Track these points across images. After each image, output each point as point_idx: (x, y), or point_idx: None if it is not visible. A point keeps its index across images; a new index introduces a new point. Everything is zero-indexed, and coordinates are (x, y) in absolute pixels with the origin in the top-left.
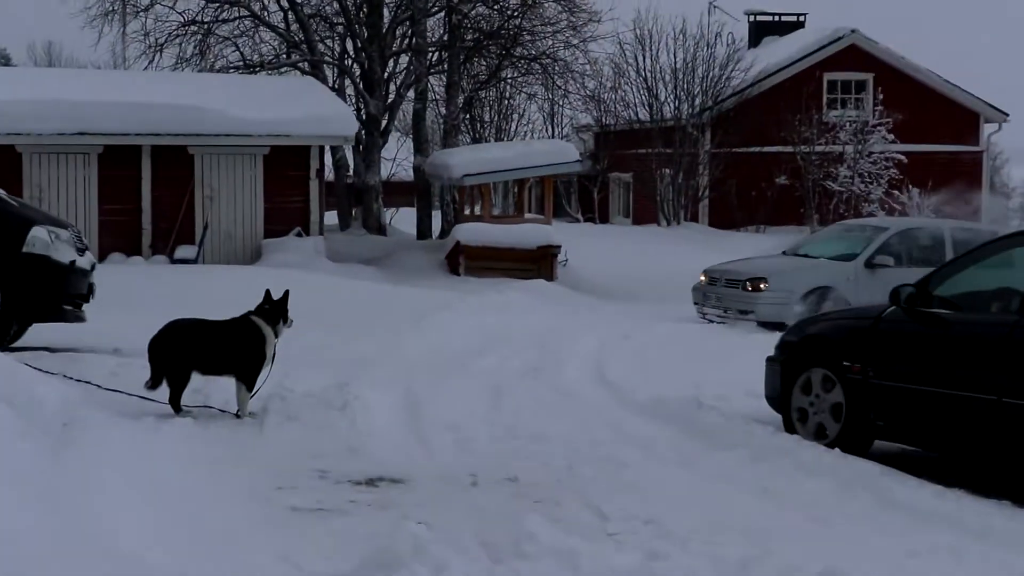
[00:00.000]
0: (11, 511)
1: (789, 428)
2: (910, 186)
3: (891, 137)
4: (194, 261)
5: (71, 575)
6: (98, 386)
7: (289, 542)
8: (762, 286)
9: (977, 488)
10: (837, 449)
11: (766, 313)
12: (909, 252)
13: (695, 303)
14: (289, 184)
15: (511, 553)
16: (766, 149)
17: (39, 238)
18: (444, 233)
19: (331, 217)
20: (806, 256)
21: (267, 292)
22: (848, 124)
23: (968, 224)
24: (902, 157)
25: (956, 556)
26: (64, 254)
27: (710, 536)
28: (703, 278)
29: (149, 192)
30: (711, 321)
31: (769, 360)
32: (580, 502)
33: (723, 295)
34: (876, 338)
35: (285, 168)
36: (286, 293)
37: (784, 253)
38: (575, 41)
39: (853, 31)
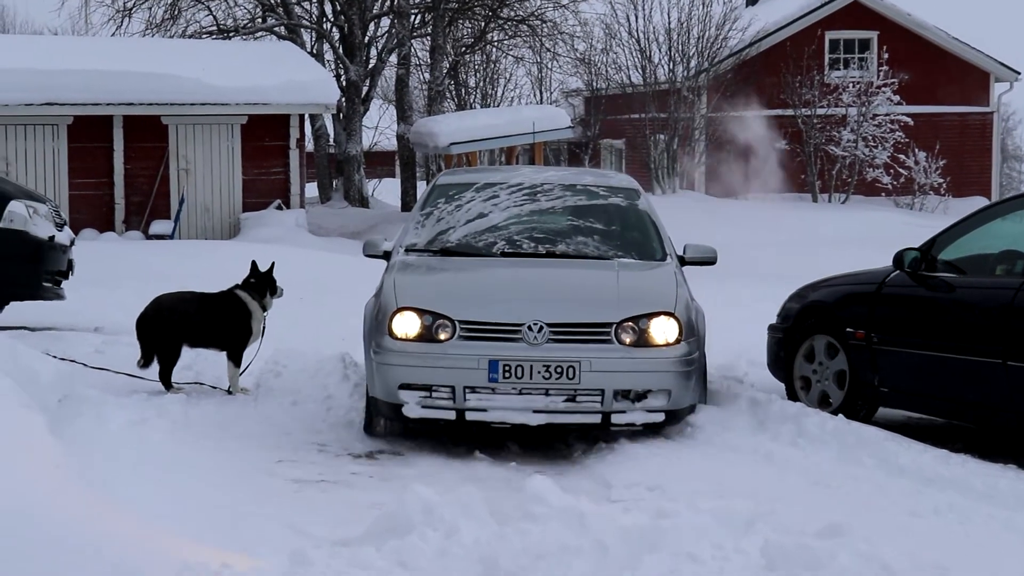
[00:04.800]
0: (31, 478)
1: (792, 397)
2: (916, 150)
3: (896, 98)
4: (170, 237)
5: (100, 540)
6: (84, 364)
7: (296, 513)
8: (667, 334)
9: (983, 452)
10: (841, 416)
11: (686, 394)
12: None
13: (402, 388)
14: (268, 155)
15: (519, 515)
16: (766, 112)
17: (17, 213)
18: None
19: (311, 189)
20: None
21: (253, 264)
22: (851, 85)
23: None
24: (908, 119)
25: (961, 516)
26: (43, 229)
27: (716, 499)
28: (411, 325)
29: (122, 164)
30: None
31: (771, 328)
32: (582, 472)
33: (555, 361)
34: (880, 303)
35: (264, 138)
36: (272, 265)
37: (414, 250)
38: (564, 1)
39: None
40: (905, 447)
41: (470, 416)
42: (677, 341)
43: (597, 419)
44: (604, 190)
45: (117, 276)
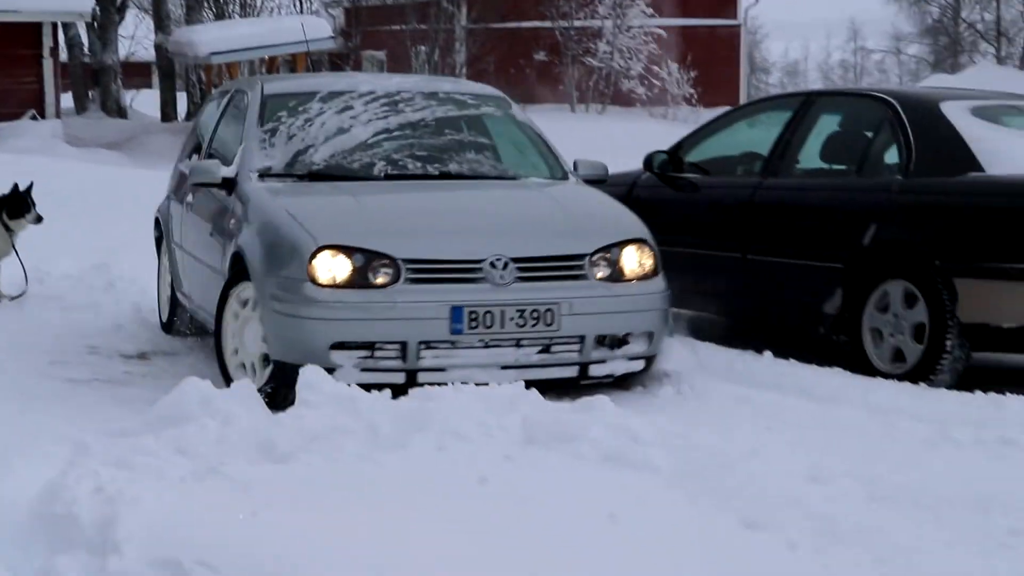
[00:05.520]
0: None
1: None
2: (669, 61)
3: (650, 11)
4: None
5: None
6: None
7: (73, 409)
8: (644, 265)
9: (727, 342)
10: None
11: (663, 336)
12: None
13: (334, 348)
14: (20, 64)
15: (295, 402)
16: (524, 24)
17: None
18: (190, 115)
19: (67, 100)
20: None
21: (14, 186)
22: None
23: None
24: (661, 32)
25: (700, 393)
26: None
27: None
28: (340, 268)
29: None
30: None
31: None
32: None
33: (530, 304)
34: (631, 205)
35: (15, 46)
36: (14, 187)
37: (270, 175)
38: None
39: None
40: None
41: (424, 378)
42: (654, 273)
43: (574, 372)
44: (472, 98)
45: None
